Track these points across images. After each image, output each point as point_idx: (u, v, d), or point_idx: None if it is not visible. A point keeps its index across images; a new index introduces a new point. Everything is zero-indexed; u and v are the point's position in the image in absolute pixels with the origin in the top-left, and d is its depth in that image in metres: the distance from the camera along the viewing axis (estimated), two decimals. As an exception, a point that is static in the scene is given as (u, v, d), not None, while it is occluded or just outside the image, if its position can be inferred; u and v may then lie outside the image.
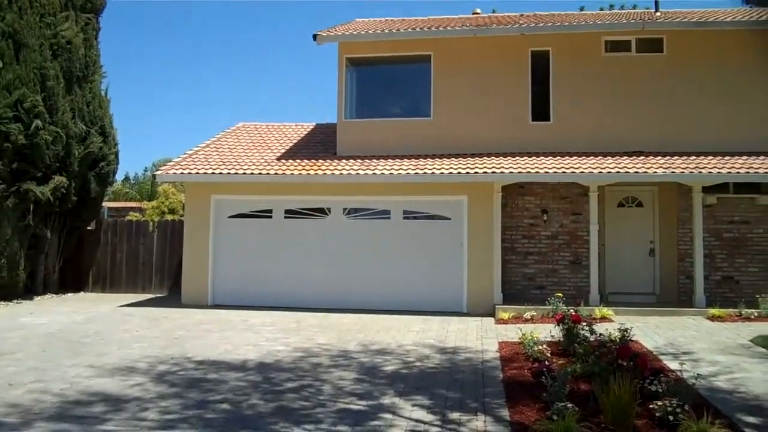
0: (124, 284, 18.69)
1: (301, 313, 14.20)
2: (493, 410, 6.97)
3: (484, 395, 7.59)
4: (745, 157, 14.56)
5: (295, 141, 17.95)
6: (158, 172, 16.44)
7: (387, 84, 17.17)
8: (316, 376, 8.62)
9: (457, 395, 7.63)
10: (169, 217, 22.83)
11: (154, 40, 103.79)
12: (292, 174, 15.12)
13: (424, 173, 14.59)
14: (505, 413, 6.82)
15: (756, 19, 15.73)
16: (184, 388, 7.95)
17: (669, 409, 6.31)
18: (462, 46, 15.98)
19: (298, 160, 15.96)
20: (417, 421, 6.63)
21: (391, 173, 14.69)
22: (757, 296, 13.89)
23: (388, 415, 6.81)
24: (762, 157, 14.53)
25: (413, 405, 7.20)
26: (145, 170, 62.41)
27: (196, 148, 17.31)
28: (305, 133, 18.83)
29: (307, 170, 15.24)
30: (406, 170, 14.76)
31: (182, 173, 15.74)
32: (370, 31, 16.31)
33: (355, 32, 16.35)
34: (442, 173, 14.51)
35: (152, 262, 18.67)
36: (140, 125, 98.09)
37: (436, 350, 10.34)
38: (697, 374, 7.90)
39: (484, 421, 6.59)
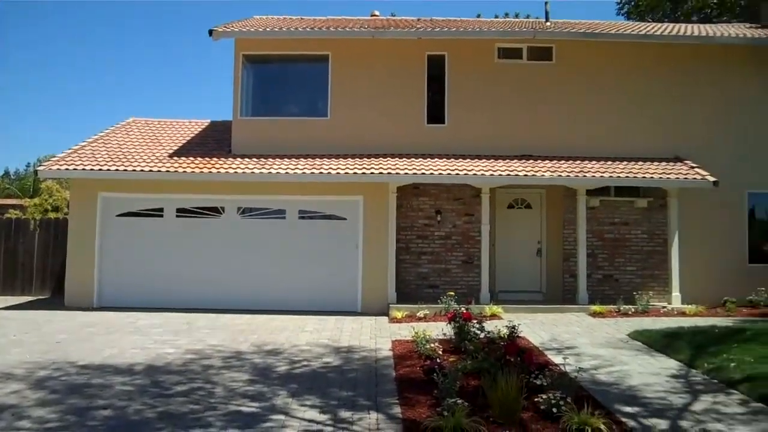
0: (1, 287, 17.56)
1: (192, 314, 13.83)
2: (385, 408, 7.04)
3: (376, 393, 7.66)
4: (625, 163, 15.39)
5: (188, 138, 17.48)
6: (41, 168, 15.57)
7: (284, 83, 17.01)
8: (207, 378, 8.43)
9: (350, 394, 7.66)
10: (52, 215, 21.69)
11: (51, 33, 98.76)
12: (185, 171, 14.72)
13: (320, 173, 14.57)
14: (397, 410, 6.91)
15: (637, 32, 16.64)
16: (65, 394, 7.58)
17: (553, 401, 6.59)
18: (360, 48, 16.07)
19: (191, 158, 15.55)
20: (310, 421, 6.61)
21: (286, 172, 14.57)
22: (635, 293, 14.75)
23: (281, 416, 6.75)
24: (641, 163, 15.40)
25: (306, 405, 7.18)
26: (28, 166, 59.11)
27: (83, 143, 16.52)
28: (200, 130, 18.37)
29: (200, 168, 14.87)
30: (302, 170, 14.68)
31: (67, 169, 15.00)
32: (267, 29, 16.11)
33: (252, 29, 16.11)
34: (338, 173, 14.53)
35: (33, 262, 17.67)
36: (25, 120, 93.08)
37: (330, 350, 10.34)
38: (579, 368, 8.31)
39: (377, 419, 6.66)
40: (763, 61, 16.39)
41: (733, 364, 8.58)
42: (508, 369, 6.94)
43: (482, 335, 9.59)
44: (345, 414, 6.85)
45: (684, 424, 6.68)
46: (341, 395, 7.61)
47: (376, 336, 11.57)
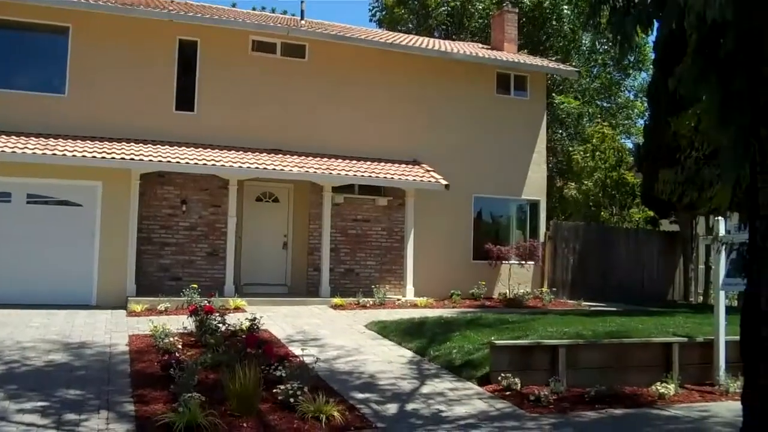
0: None
1: None
2: (117, 406, 6.69)
3: (108, 391, 7.25)
4: (369, 163, 16.19)
5: None
6: None
7: (17, 52, 15.25)
8: None
9: (78, 393, 7.15)
10: None
11: None
12: None
13: (54, 154, 13.31)
14: (130, 408, 6.61)
15: (384, 41, 17.60)
16: None
17: (291, 392, 6.75)
18: (106, 23, 14.97)
19: None
20: (29, 425, 6.06)
21: (14, 151, 13.09)
22: (373, 286, 15.57)
23: (-6, 421, 6.11)
24: (383, 164, 16.30)
25: (26, 409, 6.54)
26: None
27: None
28: None
29: None
30: (32, 149, 13.30)
31: None
32: (-6, -10, 14.39)
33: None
34: (74, 156, 13.41)
35: None
36: None
37: (58, 346, 9.52)
38: (317, 358, 8.60)
39: (107, 419, 6.30)
40: (488, 80, 18.23)
41: (455, 351, 9.45)
42: (248, 361, 6.96)
43: (224, 328, 9.51)
44: (70, 416, 6.37)
45: (412, 406, 7.22)
46: (68, 395, 7.07)
47: (111, 331, 10.89)
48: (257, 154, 15.34)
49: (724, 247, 8.70)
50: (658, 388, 8.32)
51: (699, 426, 7.10)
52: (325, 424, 6.32)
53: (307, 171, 14.99)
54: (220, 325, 9.59)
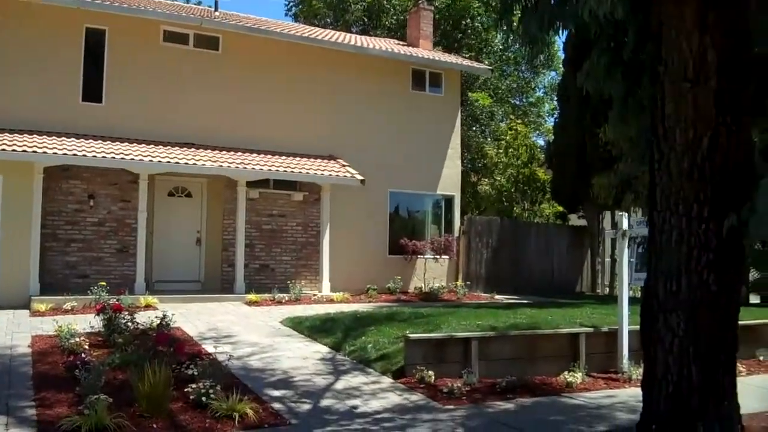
0: None
1: None
2: (17, 411, 6.38)
3: (8, 396, 6.90)
4: (285, 157, 16.05)
5: None
6: None
7: None
8: None
9: (-26, 398, 6.78)
10: None
11: None
12: None
13: (-52, 146, 12.61)
14: (31, 412, 6.32)
15: (300, 34, 17.47)
16: None
17: (202, 391, 6.61)
18: (8, 9, 14.25)
19: None
20: None
21: None
22: (289, 282, 15.47)
23: None
24: (299, 159, 16.20)
25: None
26: None
27: None
28: None
29: None
30: (-77, 141, 12.55)
31: None
32: None
33: None
34: (-29, 148, 12.73)
35: None
36: None
37: (-48, 349, 9.03)
38: (230, 356, 8.48)
39: (6, 424, 6.00)
40: (404, 76, 18.40)
41: (370, 345, 9.49)
42: (158, 360, 6.78)
43: (133, 327, 9.24)
44: (-34, 421, 6.05)
45: (326, 402, 7.21)
46: (-37, 400, 6.71)
47: (12, 332, 10.38)
48: (169, 147, 14.96)
49: (627, 240, 9.10)
50: (566, 376, 8.60)
51: (603, 412, 7.39)
52: (238, 422, 6.23)
53: (220, 165, 14.73)
54: (130, 323, 9.30)
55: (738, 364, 9.60)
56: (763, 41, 5.02)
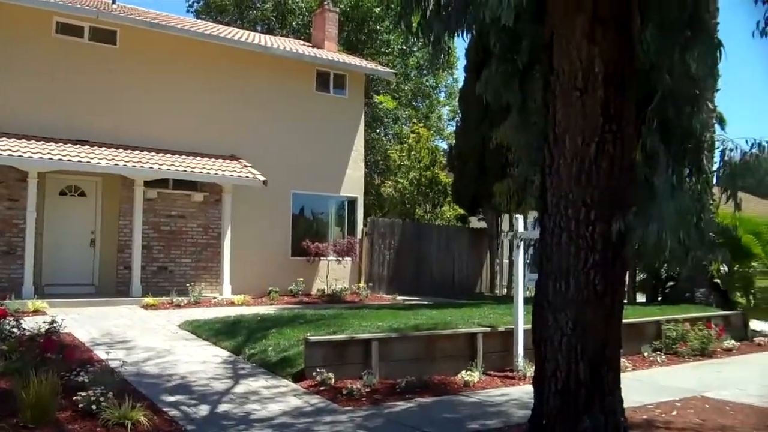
0: None
1: None
2: None
3: None
4: (184, 157, 15.65)
5: None
6: None
7: None
8: None
9: None
10: None
11: None
12: None
13: None
14: None
15: (202, 31, 17.10)
16: None
17: (93, 398, 6.36)
18: None
19: None
20: None
21: None
22: (189, 285, 15.10)
23: None
24: (199, 158, 15.84)
25: None
26: None
27: None
28: None
29: None
30: None
31: None
32: None
33: None
34: None
35: None
36: None
37: None
38: (123, 362, 8.19)
39: None
40: (308, 77, 18.35)
41: (271, 348, 9.40)
42: (45, 368, 6.47)
43: (20, 333, 8.77)
44: None
45: (224, 407, 7.09)
46: None
47: None
48: (61, 144, 14.29)
49: (522, 242, 9.41)
50: (464, 376, 8.82)
51: (498, 409, 7.61)
52: (131, 430, 6.03)
53: (116, 164, 14.20)
54: (16, 329, 8.82)
55: (624, 360, 10.18)
56: (646, 53, 5.30)
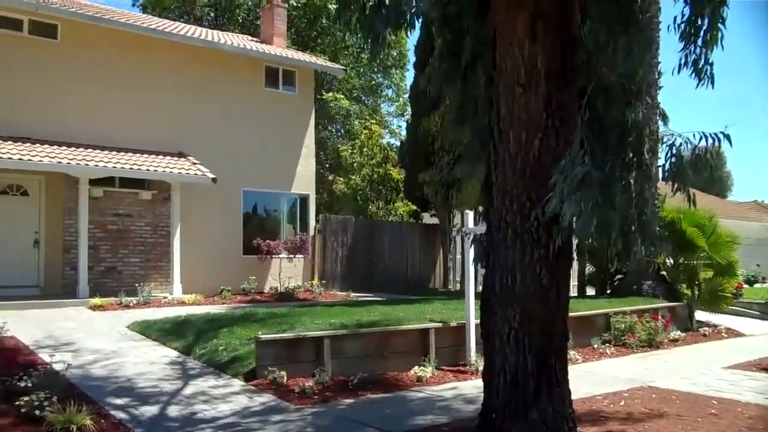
0: None
1: None
2: None
3: None
4: (131, 154, 15.34)
5: None
6: None
7: None
8: None
9: None
10: None
11: None
12: None
13: None
14: None
15: (147, 26, 16.77)
16: None
17: (36, 403, 6.21)
18: None
19: None
20: None
21: None
22: (138, 285, 14.82)
23: None
24: (146, 156, 15.54)
25: None
26: None
27: None
28: None
29: None
30: None
31: None
32: None
33: None
34: None
35: None
36: None
37: None
38: (68, 365, 8.00)
39: None
40: (257, 73, 18.19)
41: (221, 348, 9.29)
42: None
43: (-42, 338, 8.51)
44: None
45: (173, 408, 6.98)
46: None
47: None
48: (1, 141, 13.86)
49: (469, 237, 9.48)
50: (417, 371, 8.86)
51: (450, 404, 7.67)
52: (76, 434, 5.90)
53: (59, 162, 13.84)
54: (-47, 334, 8.57)
55: (575, 353, 10.37)
56: (586, 50, 5.38)
